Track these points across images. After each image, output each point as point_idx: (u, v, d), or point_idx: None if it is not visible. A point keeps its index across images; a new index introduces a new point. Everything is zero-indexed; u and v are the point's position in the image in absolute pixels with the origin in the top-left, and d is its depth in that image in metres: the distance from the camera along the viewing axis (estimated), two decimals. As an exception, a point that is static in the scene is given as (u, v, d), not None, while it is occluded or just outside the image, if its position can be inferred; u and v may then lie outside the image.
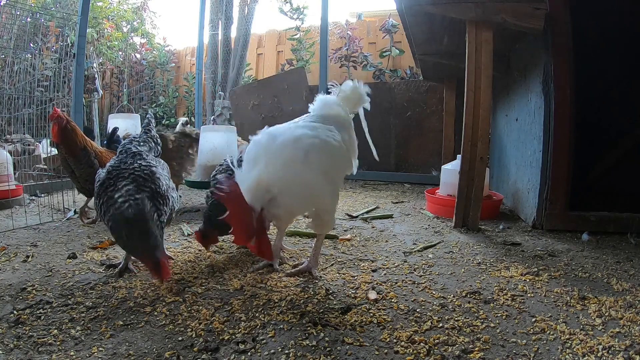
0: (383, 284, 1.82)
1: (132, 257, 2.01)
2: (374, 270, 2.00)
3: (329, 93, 2.16)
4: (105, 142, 3.07)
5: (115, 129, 3.05)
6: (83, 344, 1.31)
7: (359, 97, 2.12)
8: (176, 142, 3.47)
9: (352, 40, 7.03)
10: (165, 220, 1.85)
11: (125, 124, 3.67)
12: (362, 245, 2.44)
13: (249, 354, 1.28)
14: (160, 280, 1.65)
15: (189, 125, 4.48)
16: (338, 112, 2.03)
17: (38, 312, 1.51)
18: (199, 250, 2.28)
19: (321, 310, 1.56)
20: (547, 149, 2.73)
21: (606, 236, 2.63)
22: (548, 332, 1.41)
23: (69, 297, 1.64)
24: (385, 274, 1.96)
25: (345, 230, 2.77)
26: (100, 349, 1.28)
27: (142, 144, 2.15)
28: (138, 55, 9.55)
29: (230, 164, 1.82)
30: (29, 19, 6.28)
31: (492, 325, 1.46)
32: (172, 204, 1.93)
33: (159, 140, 2.33)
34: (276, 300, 1.64)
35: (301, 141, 1.71)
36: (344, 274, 1.95)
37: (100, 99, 8.00)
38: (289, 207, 1.72)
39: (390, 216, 3.24)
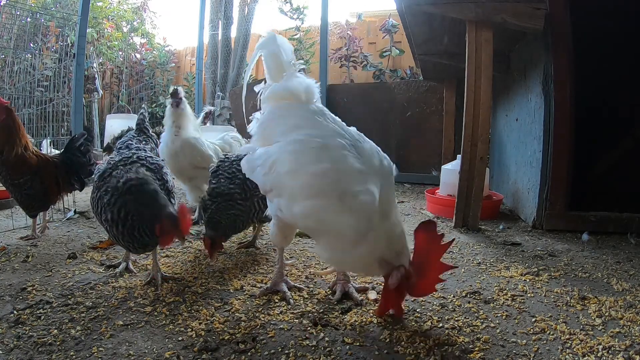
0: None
1: (132, 257, 2.01)
2: (374, 270, 2.00)
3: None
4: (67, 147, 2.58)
5: (83, 133, 2.61)
6: (83, 344, 1.31)
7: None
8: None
9: (352, 40, 7.02)
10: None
11: (124, 125, 3.65)
12: (362, 245, 2.43)
13: (249, 354, 1.28)
14: (182, 236, 1.64)
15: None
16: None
17: (38, 312, 1.51)
18: (199, 250, 2.28)
19: (321, 310, 1.56)
20: (547, 149, 2.73)
21: (606, 236, 2.63)
22: (548, 332, 1.41)
23: (69, 297, 1.64)
24: (385, 274, 1.95)
25: (345, 230, 2.76)
26: (100, 349, 1.28)
27: (143, 142, 2.09)
28: (138, 55, 9.55)
29: None
30: (29, 19, 6.28)
31: (492, 325, 1.46)
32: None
33: (157, 140, 2.24)
34: (276, 300, 1.64)
35: None
36: (344, 274, 1.94)
37: (100, 99, 8.00)
38: None
39: (390, 216, 3.23)
